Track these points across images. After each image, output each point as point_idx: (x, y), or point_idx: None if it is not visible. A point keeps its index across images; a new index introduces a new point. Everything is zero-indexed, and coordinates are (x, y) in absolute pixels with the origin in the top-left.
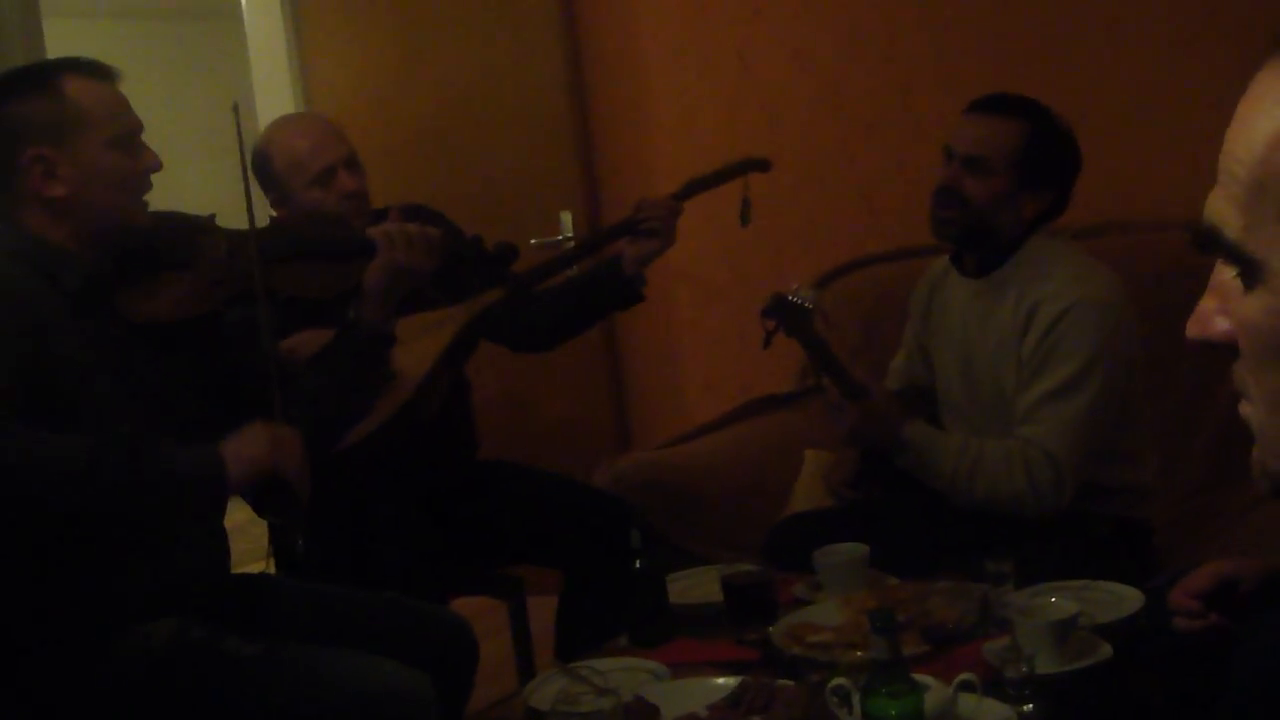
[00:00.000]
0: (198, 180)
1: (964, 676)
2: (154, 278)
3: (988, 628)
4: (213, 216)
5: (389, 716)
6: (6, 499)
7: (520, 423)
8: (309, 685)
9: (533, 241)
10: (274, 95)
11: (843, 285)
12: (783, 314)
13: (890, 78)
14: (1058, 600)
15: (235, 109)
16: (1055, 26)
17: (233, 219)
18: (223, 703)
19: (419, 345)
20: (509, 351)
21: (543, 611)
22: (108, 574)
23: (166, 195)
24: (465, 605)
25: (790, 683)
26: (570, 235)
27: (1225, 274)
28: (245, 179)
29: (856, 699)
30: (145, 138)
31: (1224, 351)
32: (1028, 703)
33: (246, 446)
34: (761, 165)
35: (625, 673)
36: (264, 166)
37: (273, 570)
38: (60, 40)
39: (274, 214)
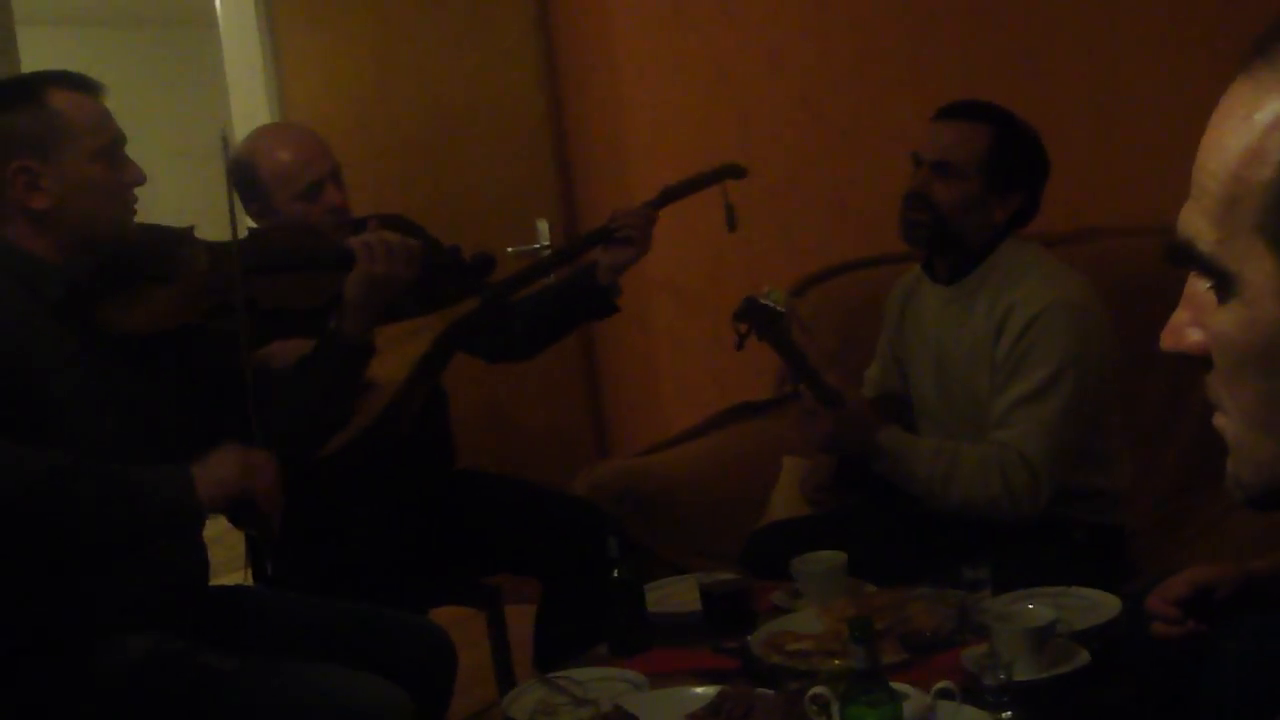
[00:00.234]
0: (173, 189)
1: (942, 684)
2: (135, 290)
3: (966, 635)
4: (192, 228)
5: None
6: None
7: (498, 431)
8: (286, 700)
9: (510, 250)
10: (250, 104)
11: (819, 292)
12: (754, 317)
13: (865, 84)
14: (1035, 607)
15: (224, 139)
16: (1028, 34)
17: (209, 227)
18: (200, 717)
19: (395, 355)
20: (485, 361)
21: (521, 621)
22: (84, 585)
23: (142, 204)
24: (444, 615)
25: (769, 692)
26: (547, 243)
27: (1199, 286)
28: (230, 203)
29: (835, 708)
30: None
31: (1198, 363)
32: (1006, 710)
33: (218, 468)
34: (737, 172)
35: (604, 682)
36: (248, 177)
37: (250, 581)
38: (34, 49)
39: (251, 225)
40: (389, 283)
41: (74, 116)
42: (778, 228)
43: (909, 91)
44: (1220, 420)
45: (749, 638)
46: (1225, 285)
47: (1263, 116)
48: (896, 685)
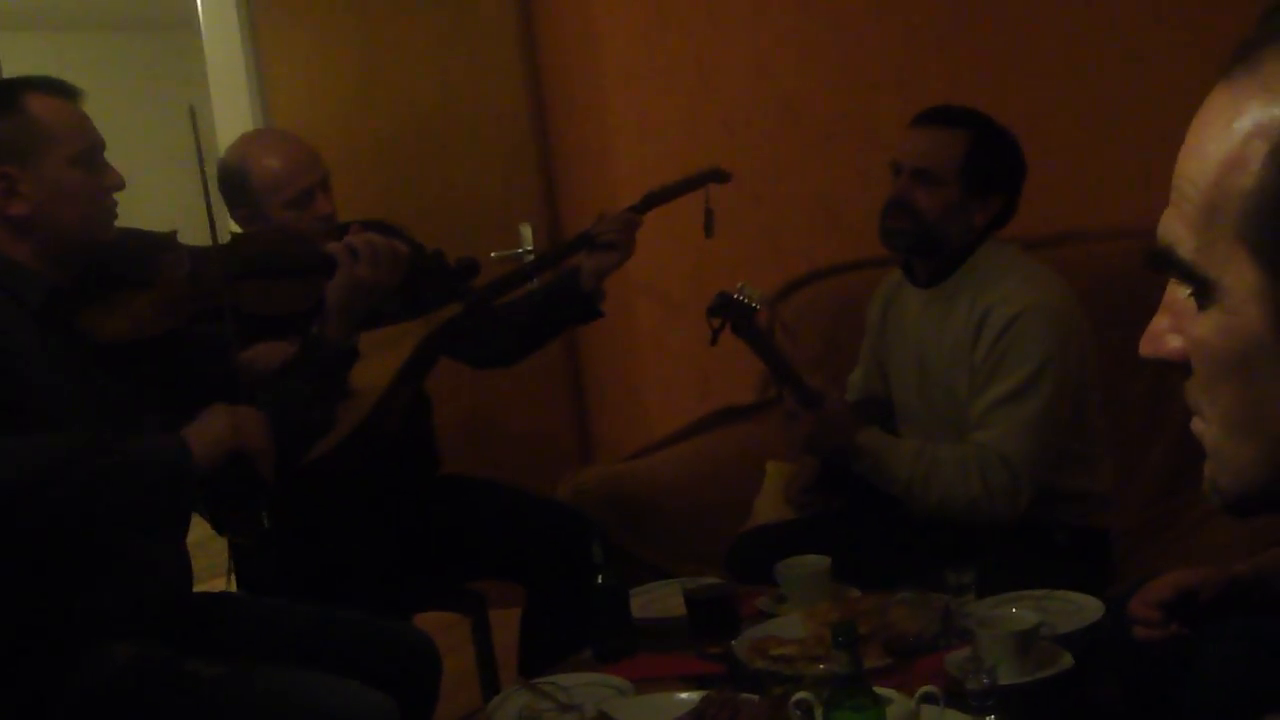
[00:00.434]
0: (155, 193)
1: (926, 689)
2: (116, 295)
3: (949, 639)
4: (174, 233)
5: None
6: None
7: (482, 437)
8: (270, 707)
9: (493, 254)
10: (232, 108)
11: (802, 296)
12: (728, 312)
13: (848, 89)
14: (1019, 610)
15: (191, 113)
16: (1010, 40)
17: (190, 230)
18: None
19: (379, 360)
20: (469, 366)
21: (506, 626)
22: (68, 593)
23: (123, 208)
24: (428, 621)
25: (753, 696)
26: (530, 248)
27: (1178, 293)
28: (205, 188)
29: (819, 713)
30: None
31: (1177, 369)
32: (990, 714)
33: (209, 428)
34: (721, 177)
35: (588, 688)
36: (238, 182)
37: (233, 588)
38: (13, 53)
39: (233, 230)
40: (372, 287)
41: (53, 122)
42: (761, 232)
43: (891, 96)
44: (1198, 426)
45: (733, 643)
46: (1205, 292)
47: (1242, 124)
48: (880, 690)
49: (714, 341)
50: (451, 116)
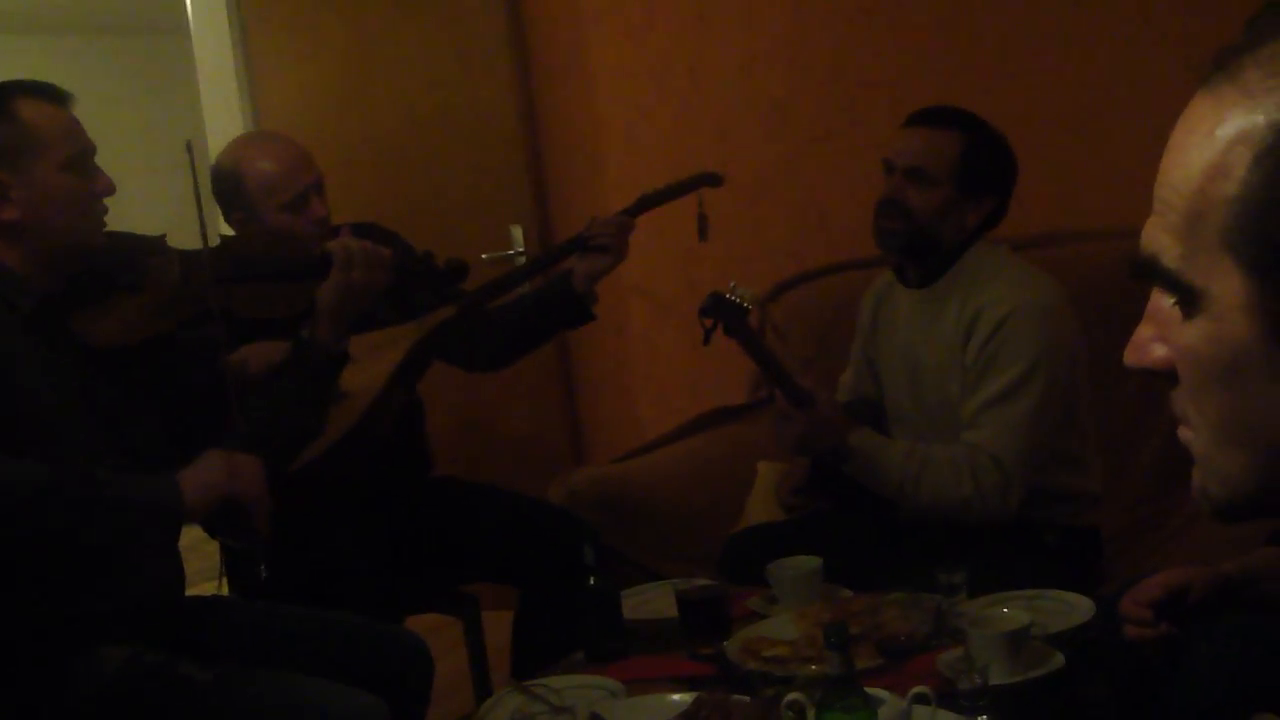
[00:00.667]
0: (145, 196)
1: (918, 689)
2: (108, 300)
3: (941, 639)
4: (163, 237)
5: None
6: None
7: (474, 439)
8: (263, 710)
9: (484, 256)
10: (222, 111)
11: (793, 297)
12: (720, 312)
13: (838, 91)
14: (1010, 610)
15: (189, 149)
16: (999, 41)
17: (179, 234)
18: None
19: (371, 364)
20: (462, 370)
21: (498, 628)
22: (59, 597)
23: (114, 212)
24: (420, 623)
25: (745, 698)
26: (521, 249)
27: (1163, 302)
28: (200, 212)
29: (811, 713)
30: None
31: (1162, 379)
32: (981, 714)
33: (203, 473)
34: (714, 180)
35: (581, 690)
36: (232, 185)
37: (225, 591)
38: (2, 57)
39: (223, 234)
40: (363, 290)
41: (43, 127)
42: (752, 233)
43: (881, 97)
44: (1186, 434)
45: (725, 644)
46: (1191, 301)
47: (1225, 131)
48: (872, 690)
49: (706, 341)
50: (442, 119)
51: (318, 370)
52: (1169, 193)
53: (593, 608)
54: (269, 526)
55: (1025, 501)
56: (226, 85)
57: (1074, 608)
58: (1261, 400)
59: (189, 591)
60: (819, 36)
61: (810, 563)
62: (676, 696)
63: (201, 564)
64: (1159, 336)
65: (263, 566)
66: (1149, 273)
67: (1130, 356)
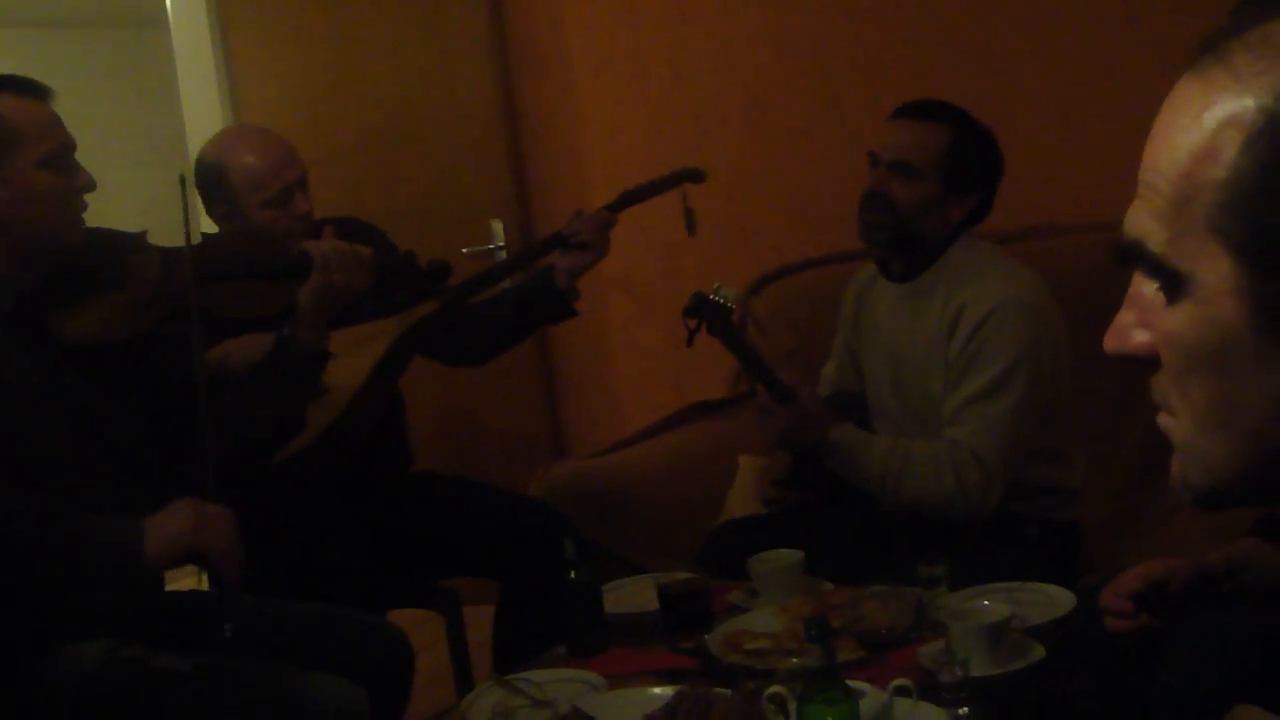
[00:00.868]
0: (126, 193)
1: (899, 682)
2: (87, 298)
3: (922, 631)
4: (144, 234)
5: None
6: None
7: (455, 434)
8: (244, 702)
9: (464, 250)
10: (202, 105)
11: (774, 291)
12: (704, 313)
13: (819, 85)
14: (991, 603)
15: (182, 181)
16: (980, 35)
17: (160, 229)
18: None
19: (352, 359)
20: (443, 365)
21: (480, 623)
22: (33, 598)
23: (94, 208)
24: (402, 617)
25: (727, 691)
26: (502, 244)
27: (1145, 287)
28: (184, 198)
29: (793, 706)
30: None
31: (1143, 364)
32: (963, 706)
33: (170, 523)
34: (696, 176)
35: (562, 684)
36: (216, 179)
37: (205, 586)
38: None
39: (205, 231)
40: (344, 291)
41: (21, 122)
42: (733, 227)
43: (862, 90)
44: (1167, 421)
45: (706, 637)
46: (1176, 285)
47: (1214, 115)
48: (853, 683)
49: (690, 343)
50: (422, 113)
51: (298, 368)
52: (1155, 177)
53: (574, 602)
54: (238, 581)
55: (1007, 495)
56: (206, 79)
57: (1055, 600)
58: (1247, 384)
59: (168, 586)
60: (799, 29)
61: (791, 556)
62: (658, 690)
63: None
64: (1141, 322)
65: (227, 626)
66: (1133, 257)
67: (1111, 342)
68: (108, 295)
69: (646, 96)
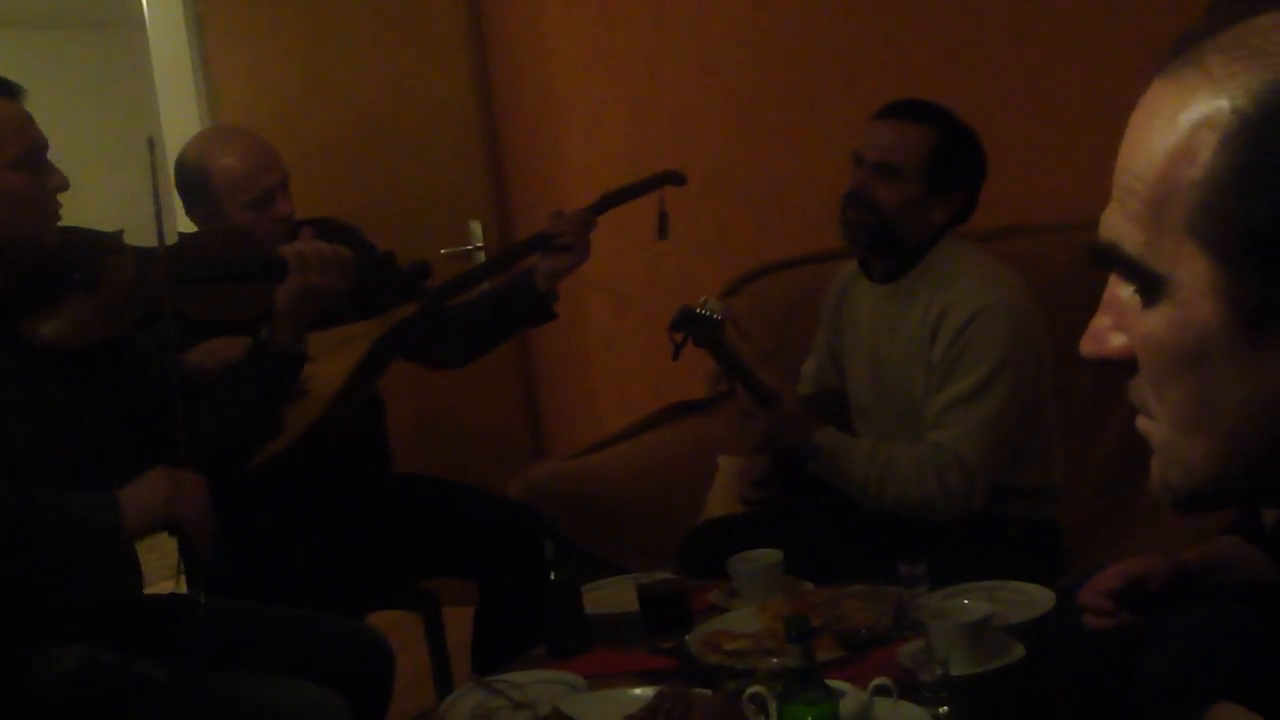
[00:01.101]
0: (100, 193)
1: (879, 681)
2: (60, 300)
3: (902, 631)
4: (120, 233)
5: None
6: None
7: (434, 435)
8: (222, 708)
9: (443, 251)
10: (178, 106)
11: (753, 290)
12: (691, 326)
13: (796, 86)
14: (970, 602)
15: (151, 145)
16: (959, 35)
17: (136, 231)
18: None
19: (331, 361)
20: (423, 366)
21: (459, 624)
22: (14, 599)
23: (68, 208)
24: (381, 619)
25: (707, 691)
26: (480, 244)
27: (1121, 290)
28: (158, 210)
29: (773, 706)
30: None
31: (1120, 368)
32: (943, 705)
33: (144, 492)
34: (676, 179)
35: (542, 685)
36: (196, 181)
37: (183, 589)
38: None
39: (180, 231)
40: (323, 293)
41: None
42: (711, 228)
43: (839, 91)
44: (1145, 424)
45: (686, 638)
46: (1153, 288)
47: (1189, 116)
48: (833, 683)
49: (676, 356)
50: (400, 113)
51: (276, 371)
52: (1130, 179)
53: (554, 602)
54: (210, 550)
55: (989, 497)
56: (183, 79)
57: (1034, 599)
58: (1225, 386)
59: (146, 590)
60: (776, 30)
61: (771, 556)
62: (638, 691)
63: (159, 563)
64: (1117, 326)
65: (202, 594)
66: (1109, 260)
67: (1087, 347)
68: (82, 296)
69: (623, 98)
